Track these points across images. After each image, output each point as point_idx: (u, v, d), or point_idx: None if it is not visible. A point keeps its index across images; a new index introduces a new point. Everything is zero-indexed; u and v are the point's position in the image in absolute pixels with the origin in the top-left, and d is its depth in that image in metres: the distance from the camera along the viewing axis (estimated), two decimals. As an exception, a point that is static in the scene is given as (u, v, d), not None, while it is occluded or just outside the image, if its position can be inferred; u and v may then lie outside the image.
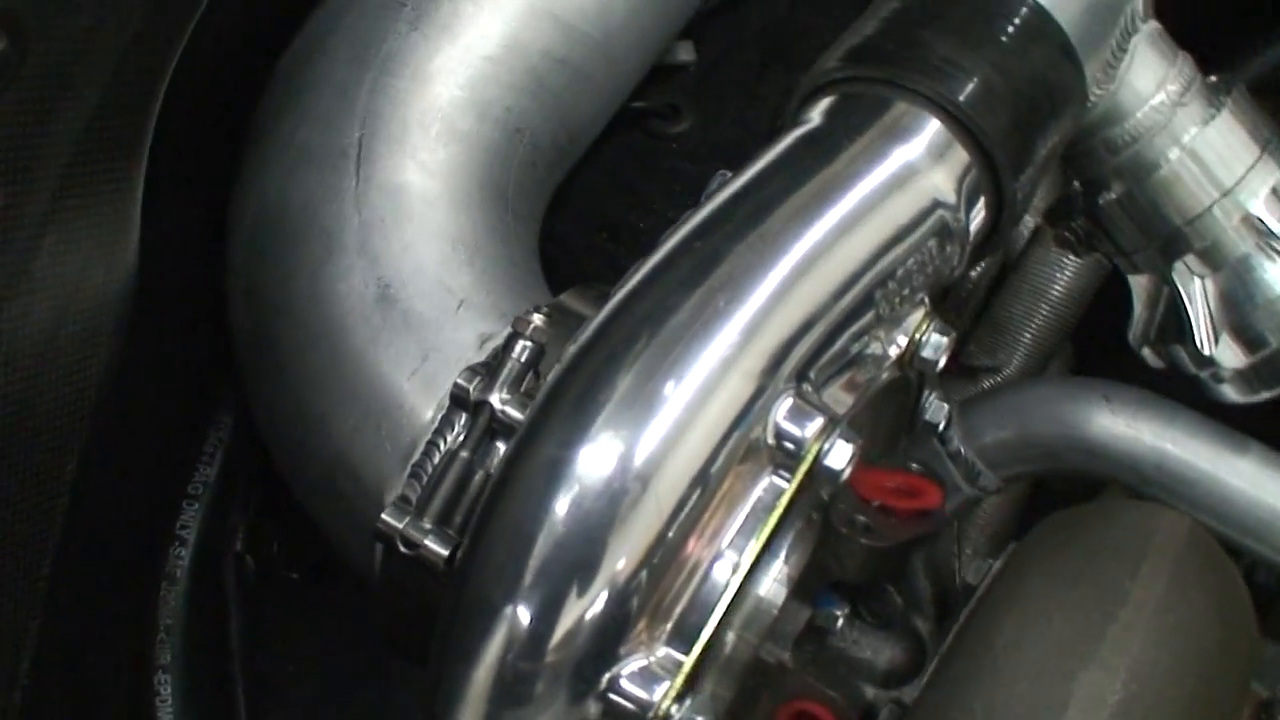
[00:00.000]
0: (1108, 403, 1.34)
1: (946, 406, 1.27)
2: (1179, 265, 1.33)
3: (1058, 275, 1.57)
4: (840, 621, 1.20)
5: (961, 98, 1.12)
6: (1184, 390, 1.37)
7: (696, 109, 1.58)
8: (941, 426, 1.29)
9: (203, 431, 1.40)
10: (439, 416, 1.14)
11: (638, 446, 0.98)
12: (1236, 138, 1.30)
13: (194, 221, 1.28)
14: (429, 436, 1.14)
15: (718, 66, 1.61)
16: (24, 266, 1.01)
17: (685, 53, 1.59)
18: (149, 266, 1.15)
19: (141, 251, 1.14)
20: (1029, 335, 1.59)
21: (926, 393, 1.25)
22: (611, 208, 1.51)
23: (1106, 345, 1.49)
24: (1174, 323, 1.36)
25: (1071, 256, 1.55)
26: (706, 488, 0.99)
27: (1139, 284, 1.38)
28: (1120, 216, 1.33)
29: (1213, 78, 1.32)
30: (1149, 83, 1.28)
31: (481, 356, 1.14)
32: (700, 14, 1.58)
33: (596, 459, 0.98)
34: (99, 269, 1.08)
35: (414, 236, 1.19)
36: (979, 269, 1.57)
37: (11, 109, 0.95)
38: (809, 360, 1.04)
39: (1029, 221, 1.62)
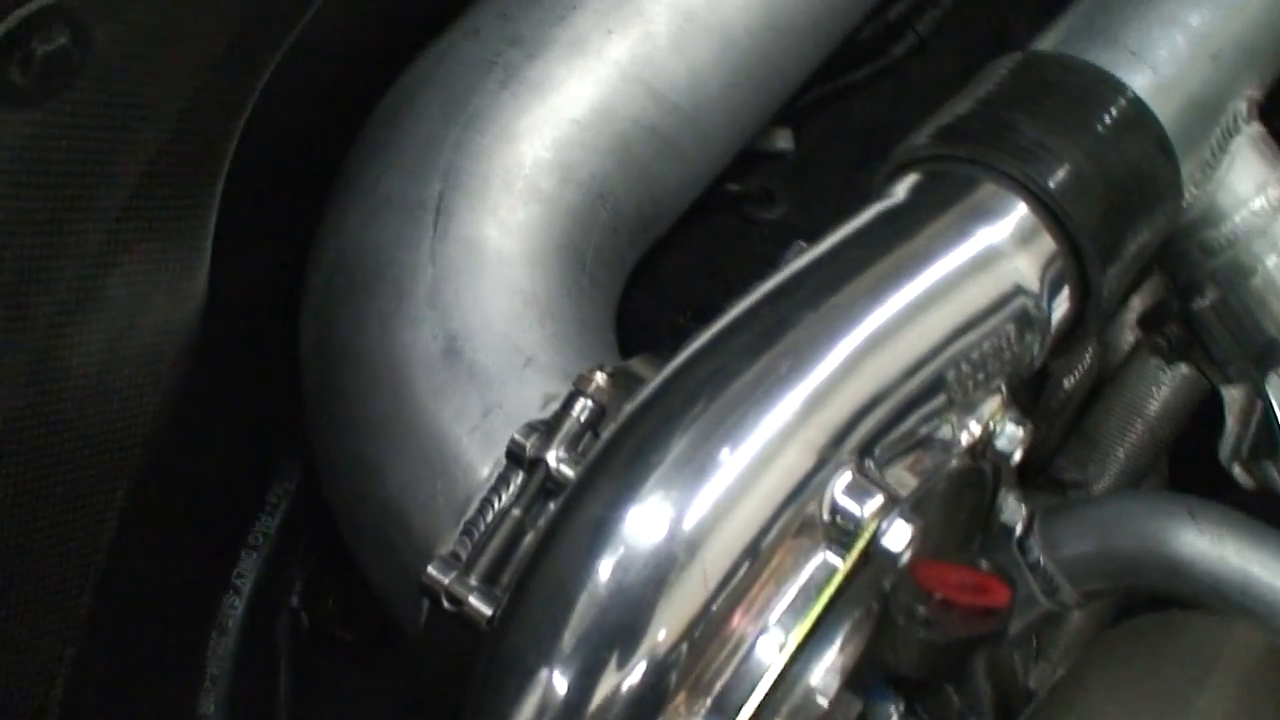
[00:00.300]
0: (1193, 520, 1.30)
1: (1024, 509, 1.24)
2: (1273, 378, 1.29)
3: (1154, 392, 1.54)
4: (894, 718, 1.16)
5: (1052, 183, 1.10)
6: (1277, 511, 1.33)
7: (791, 196, 1.57)
8: (1019, 532, 1.26)
9: (267, 480, 1.39)
10: (495, 474, 1.12)
11: (688, 511, 0.95)
12: (1340, 252, 1.27)
13: (272, 263, 1.28)
14: (484, 493, 1.12)
15: (816, 156, 1.60)
16: (83, 287, 1.01)
17: (784, 140, 1.58)
18: (221, 305, 1.15)
19: (215, 289, 1.14)
20: (1121, 452, 1.56)
21: (1003, 493, 1.21)
22: (699, 289, 1.49)
23: (1199, 462, 1.45)
24: (1266, 439, 1.32)
25: (1169, 373, 1.52)
26: (756, 560, 0.96)
27: (1232, 397, 1.34)
28: (1214, 324, 1.30)
29: (1319, 188, 1.29)
30: (1249, 186, 1.25)
31: (544, 415, 1.12)
32: (802, 104, 1.57)
33: (644, 522, 0.95)
34: (162, 297, 1.07)
35: (486, 292, 1.18)
36: (1072, 380, 1.54)
37: (81, 121, 0.95)
38: (873, 437, 1.01)
39: (1127, 337, 1.59)
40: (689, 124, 1.32)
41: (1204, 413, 1.47)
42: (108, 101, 0.97)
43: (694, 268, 1.51)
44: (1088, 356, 1.53)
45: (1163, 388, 1.52)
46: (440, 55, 1.30)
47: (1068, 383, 1.52)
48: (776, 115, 1.49)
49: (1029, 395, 1.51)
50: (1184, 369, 1.49)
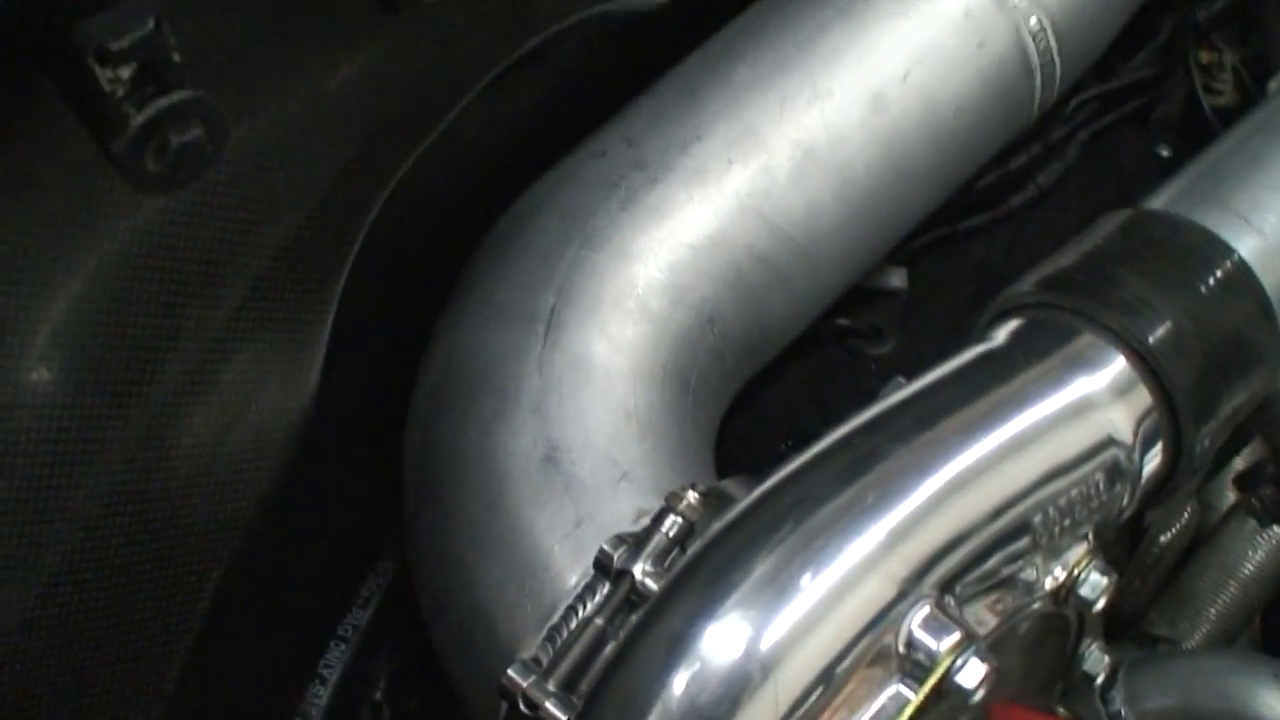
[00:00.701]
0: (1278, 682, 1.29)
1: (1107, 659, 1.24)
2: (1360, 548, 1.29)
3: (1250, 554, 1.54)
4: None
5: (1151, 338, 1.12)
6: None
7: (901, 335, 1.58)
8: (1101, 681, 1.25)
9: (362, 574, 1.41)
10: (582, 582, 1.14)
11: (765, 632, 0.96)
12: None
13: (385, 362, 1.31)
14: (569, 601, 1.13)
15: (929, 297, 1.61)
16: (197, 372, 1.05)
17: (898, 279, 1.59)
18: (333, 399, 1.18)
19: (327, 383, 1.17)
20: (1214, 611, 1.55)
21: (1087, 641, 1.21)
22: (802, 418, 1.50)
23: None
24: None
25: (1266, 535, 1.51)
26: (829, 686, 0.97)
27: (1321, 564, 1.34)
28: (1307, 489, 1.30)
29: None
30: (1350, 355, 1.26)
31: (635, 529, 1.14)
32: (919, 245, 1.59)
33: (721, 639, 0.96)
34: (276, 386, 1.11)
35: (589, 404, 1.20)
36: (1169, 536, 1.54)
37: (209, 212, 1.00)
38: (955, 574, 1.02)
39: (1228, 496, 1.59)
40: (802, 256, 1.34)
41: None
42: (237, 195, 1.01)
43: (799, 397, 1.52)
44: (1186, 513, 1.53)
45: (1259, 550, 1.51)
46: (566, 174, 1.34)
47: (1164, 538, 1.52)
48: (892, 254, 1.52)
49: (1125, 548, 1.51)
50: (1281, 532, 1.49)
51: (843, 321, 1.55)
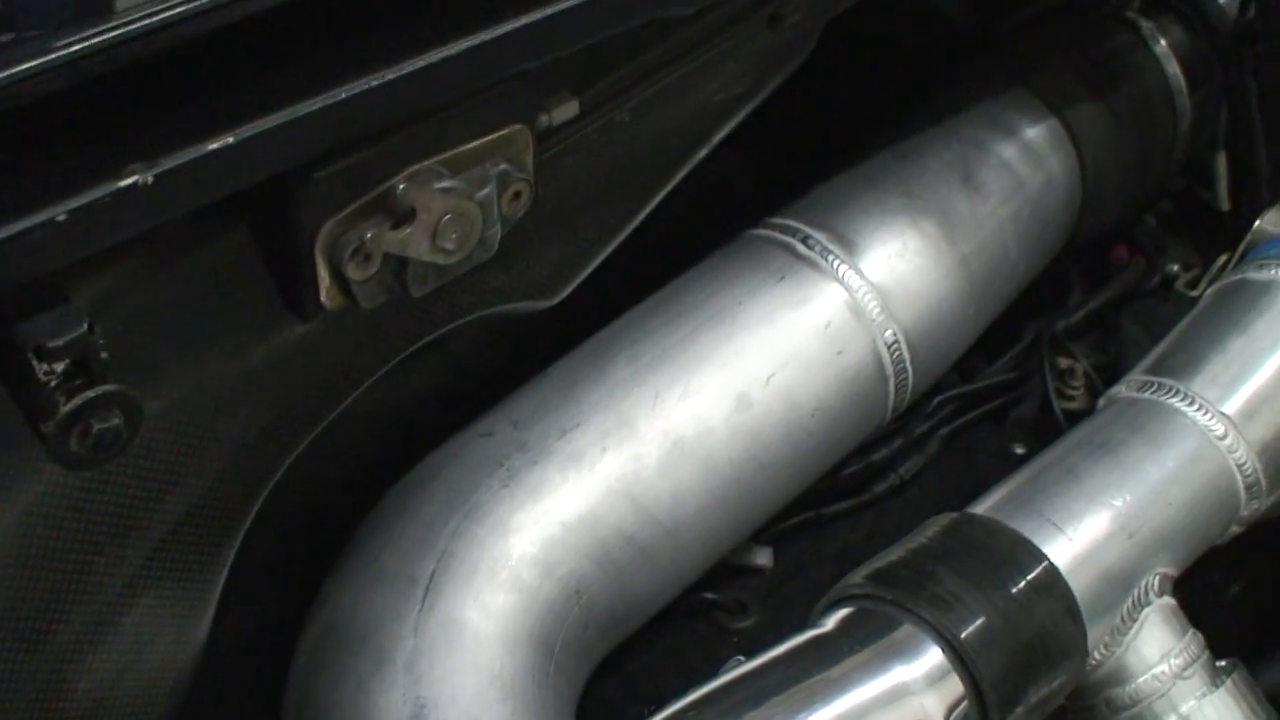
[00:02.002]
0: None
1: None
2: (1163, 834, 1.39)
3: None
4: None
5: (963, 633, 1.23)
6: None
7: (764, 610, 1.67)
8: None
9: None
10: None
11: None
12: (1231, 715, 1.38)
13: (271, 617, 1.40)
14: None
15: (792, 576, 1.70)
16: (99, 623, 1.14)
17: (763, 557, 1.69)
18: (220, 649, 1.28)
19: (216, 635, 1.27)
20: None
21: None
22: (665, 685, 1.58)
23: None
24: None
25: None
26: None
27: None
28: (1117, 773, 1.40)
29: (1222, 662, 1.41)
30: (1154, 652, 1.37)
31: (486, 789, 1.23)
32: (784, 527, 1.71)
33: None
34: (169, 636, 1.21)
35: (458, 666, 1.29)
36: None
37: (121, 481, 1.10)
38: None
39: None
40: (667, 537, 1.45)
41: None
42: (146, 465, 1.12)
43: (664, 666, 1.60)
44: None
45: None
46: (454, 451, 1.45)
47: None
48: (759, 534, 1.63)
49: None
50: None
51: (709, 595, 1.64)
